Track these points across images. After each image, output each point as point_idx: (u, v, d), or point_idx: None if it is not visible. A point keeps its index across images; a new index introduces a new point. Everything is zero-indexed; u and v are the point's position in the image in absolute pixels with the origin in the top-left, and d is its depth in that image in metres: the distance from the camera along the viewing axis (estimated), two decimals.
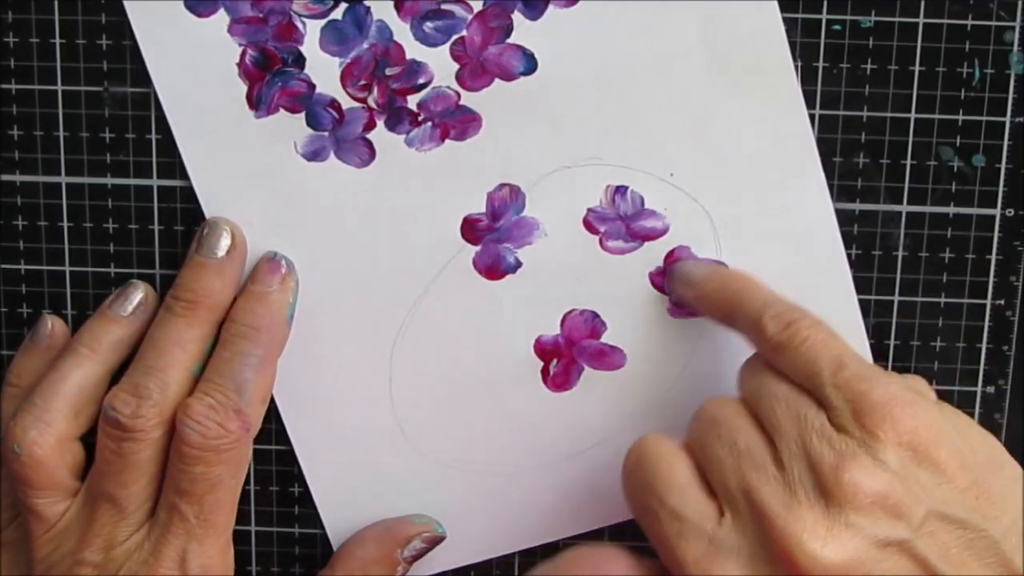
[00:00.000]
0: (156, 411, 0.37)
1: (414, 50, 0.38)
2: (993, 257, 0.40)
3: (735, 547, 0.30)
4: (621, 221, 0.39)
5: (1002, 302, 0.40)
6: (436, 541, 0.41)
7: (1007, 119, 0.39)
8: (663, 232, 0.39)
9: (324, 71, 0.38)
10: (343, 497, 0.42)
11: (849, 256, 0.40)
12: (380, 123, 0.38)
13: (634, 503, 0.34)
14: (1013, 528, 0.30)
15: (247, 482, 0.41)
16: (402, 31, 0.38)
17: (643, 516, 0.33)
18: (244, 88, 0.38)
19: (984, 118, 0.39)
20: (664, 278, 0.40)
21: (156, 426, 0.37)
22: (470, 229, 0.39)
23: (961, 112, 0.39)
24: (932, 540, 0.30)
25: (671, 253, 0.39)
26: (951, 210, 0.40)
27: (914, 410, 0.31)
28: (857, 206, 0.40)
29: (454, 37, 0.38)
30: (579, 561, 0.34)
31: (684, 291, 0.38)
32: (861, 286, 0.40)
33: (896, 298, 0.40)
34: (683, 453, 0.33)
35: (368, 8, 0.38)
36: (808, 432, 0.31)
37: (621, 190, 0.39)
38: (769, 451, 0.32)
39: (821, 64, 0.38)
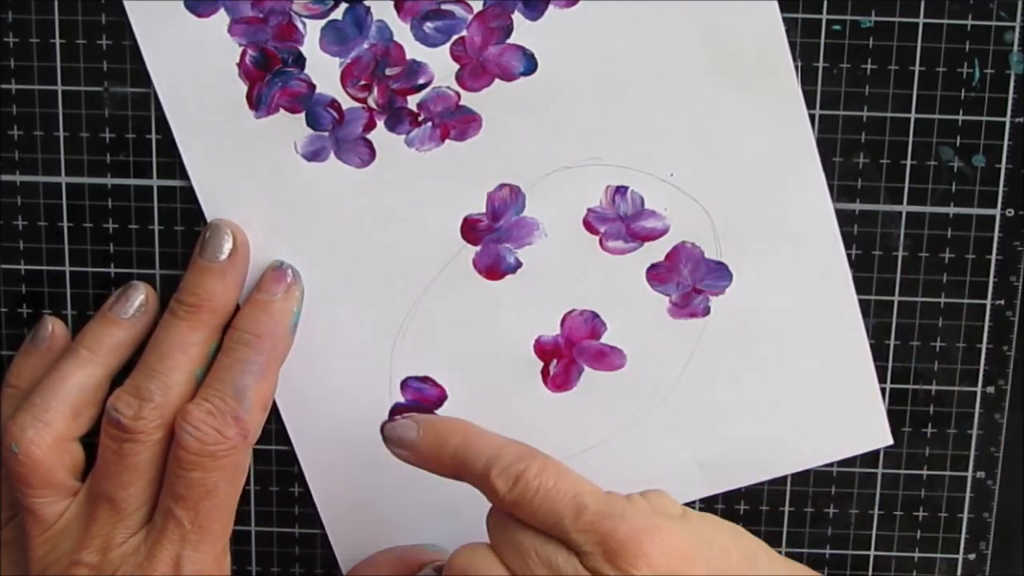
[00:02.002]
0: (158, 413, 0.37)
1: (414, 50, 0.38)
2: (993, 257, 0.40)
3: None
4: (621, 221, 0.39)
5: (1002, 302, 0.40)
6: None
7: (1007, 119, 0.39)
8: (663, 232, 0.39)
9: (324, 71, 0.38)
10: (343, 497, 0.42)
11: (849, 256, 0.40)
12: (380, 123, 0.38)
13: None
14: None
15: (247, 482, 0.41)
16: (402, 31, 0.38)
17: None
18: (244, 88, 0.38)
19: (984, 118, 0.39)
20: (661, 281, 0.40)
21: (157, 428, 0.37)
22: (470, 229, 0.39)
23: (961, 112, 0.39)
24: None
25: (671, 253, 0.39)
26: (951, 210, 0.40)
27: (662, 537, 0.31)
28: (857, 206, 0.40)
29: (454, 37, 0.38)
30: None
31: (401, 453, 0.37)
32: (861, 286, 0.40)
33: (896, 298, 0.40)
34: None
35: (368, 8, 0.38)
36: (575, 571, 0.31)
37: (621, 190, 0.39)
38: None
39: (821, 64, 0.38)
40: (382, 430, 0.38)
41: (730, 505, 0.42)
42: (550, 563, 0.32)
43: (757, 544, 0.33)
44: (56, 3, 0.38)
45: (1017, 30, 0.38)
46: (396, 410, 0.41)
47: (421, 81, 0.38)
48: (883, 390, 0.41)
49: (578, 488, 0.33)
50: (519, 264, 0.40)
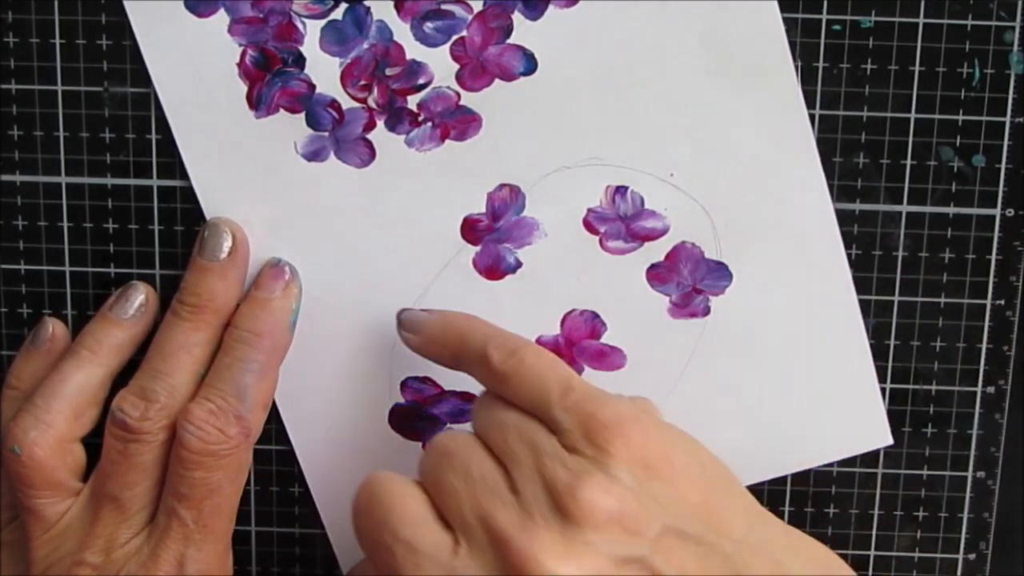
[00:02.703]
0: (164, 414, 0.37)
1: (414, 50, 0.38)
2: (993, 257, 0.40)
3: (474, 575, 0.30)
4: (621, 221, 0.39)
5: (1002, 302, 0.40)
6: None
7: (1007, 119, 0.39)
8: (663, 232, 0.39)
9: (324, 71, 0.38)
10: (343, 497, 0.41)
11: (849, 256, 0.40)
12: (380, 123, 0.38)
13: (367, 541, 0.32)
14: (742, 544, 0.31)
15: (247, 482, 0.41)
16: (402, 31, 0.38)
17: (376, 553, 0.32)
18: (244, 88, 0.38)
19: (984, 118, 0.39)
20: (661, 281, 0.40)
21: (162, 429, 0.37)
22: (470, 229, 0.39)
23: (961, 112, 0.39)
24: (669, 556, 0.30)
25: (671, 253, 0.39)
26: (951, 210, 0.40)
27: (643, 427, 0.31)
28: (857, 206, 0.40)
29: (454, 37, 0.38)
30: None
31: (410, 338, 0.38)
32: (861, 286, 0.40)
33: (896, 298, 0.40)
34: (416, 487, 0.33)
35: (368, 8, 0.38)
36: (541, 455, 0.31)
37: (621, 190, 0.39)
38: (504, 478, 0.31)
39: (821, 64, 0.38)
40: (398, 317, 0.38)
41: None
42: (530, 440, 0.32)
43: (735, 479, 0.33)
44: (56, 3, 0.38)
45: (1017, 30, 0.38)
46: (396, 410, 0.41)
47: (421, 81, 0.38)
48: (883, 390, 0.41)
49: (569, 373, 0.33)
50: (519, 264, 0.40)
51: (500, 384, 0.34)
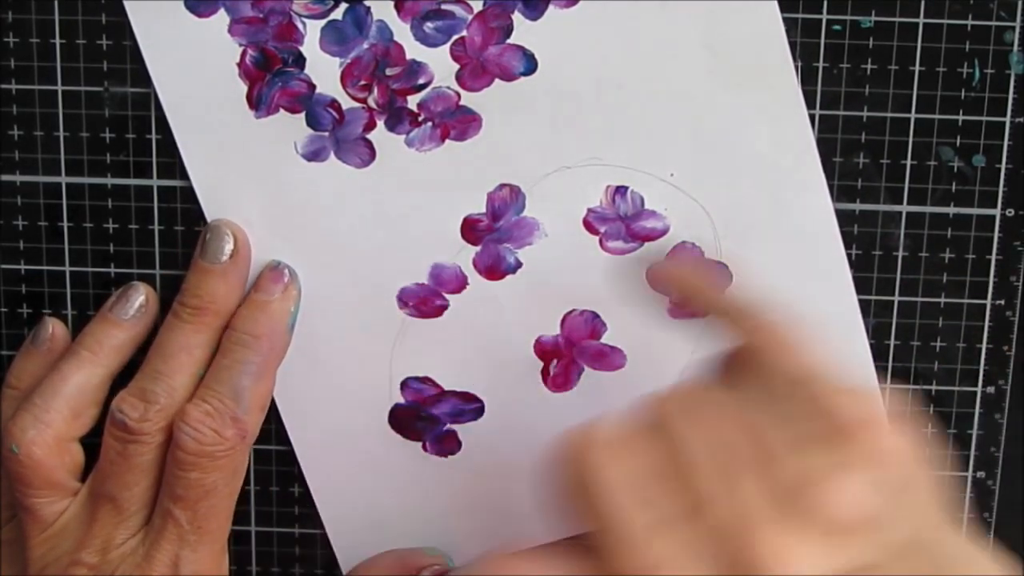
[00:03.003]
0: (162, 415, 0.37)
1: (414, 50, 0.38)
2: (993, 257, 0.40)
3: (701, 553, 0.27)
4: (621, 221, 0.39)
5: (1002, 302, 0.40)
6: (444, 574, 0.41)
7: (1007, 119, 0.39)
8: (663, 232, 0.39)
9: (324, 71, 0.38)
10: (343, 497, 0.42)
11: (849, 256, 0.40)
12: (380, 123, 0.38)
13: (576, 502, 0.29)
14: (956, 560, 0.29)
15: (247, 482, 0.41)
16: (402, 31, 0.38)
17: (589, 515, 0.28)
18: (244, 88, 0.38)
19: (984, 118, 0.39)
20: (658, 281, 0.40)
21: (161, 430, 0.37)
22: (470, 229, 0.39)
23: (961, 112, 0.39)
24: (905, 567, 0.28)
25: (671, 253, 0.39)
26: (951, 210, 0.40)
27: (899, 430, 0.29)
28: (857, 206, 0.40)
29: (454, 37, 0.38)
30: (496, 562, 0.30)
31: (672, 274, 0.38)
32: (861, 286, 0.40)
33: (896, 298, 0.40)
34: (629, 453, 0.29)
35: (368, 8, 0.38)
36: (792, 442, 0.28)
37: (621, 190, 0.39)
38: (753, 454, 0.28)
39: (821, 64, 0.38)
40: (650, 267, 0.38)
41: None
42: (782, 422, 0.28)
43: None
44: (56, 3, 0.38)
45: (1017, 30, 0.38)
46: (396, 410, 0.41)
47: (421, 81, 0.38)
48: (883, 390, 0.41)
49: (830, 364, 0.30)
50: (519, 264, 0.40)
51: (759, 353, 0.31)
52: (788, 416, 0.29)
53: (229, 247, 0.38)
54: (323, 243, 0.39)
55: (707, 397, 0.30)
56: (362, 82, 0.38)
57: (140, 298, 0.39)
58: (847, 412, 0.28)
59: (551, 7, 0.38)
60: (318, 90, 0.38)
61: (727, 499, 0.27)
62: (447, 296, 0.40)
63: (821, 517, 0.27)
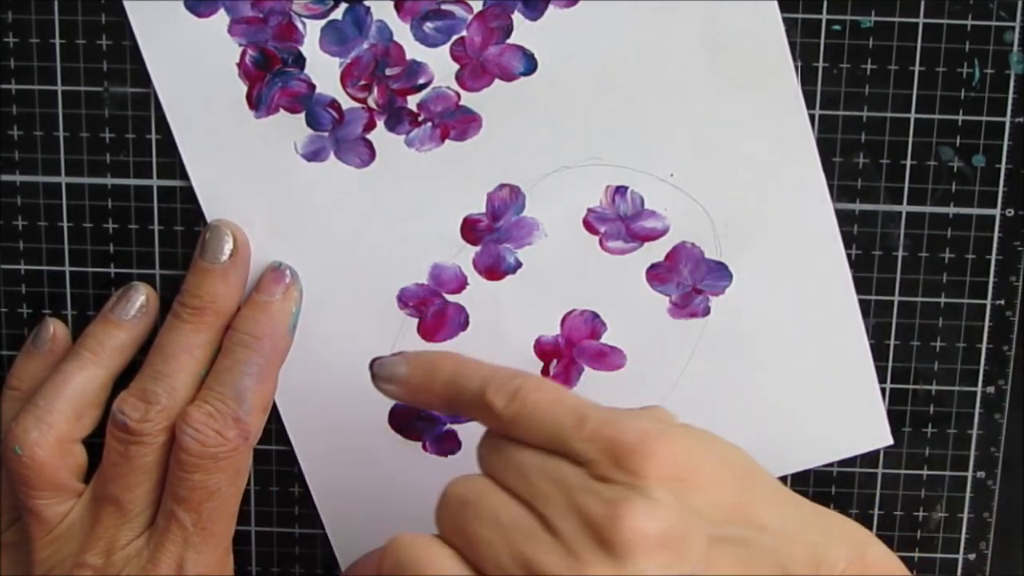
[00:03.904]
0: (164, 416, 0.37)
1: (414, 50, 0.38)
2: (993, 257, 0.40)
3: None
4: (621, 221, 0.39)
5: (1002, 302, 0.40)
6: None
7: (1007, 119, 0.39)
8: (663, 232, 0.39)
9: (324, 71, 0.38)
10: (343, 497, 0.42)
11: (849, 256, 0.40)
12: (380, 123, 0.38)
13: None
14: (780, 534, 0.30)
15: (247, 482, 0.41)
16: (402, 31, 0.38)
17: None
18: (244, 88, 0.38)
19: (984, 118, 0.39)
20: (661, 281, 0.40)
21: (163, 431, 0.37)
22: (470, 229, 0.39)
23: (961, 112, 0.39)
24: (716, 566, 0.29)
25: (671, 253, 0.39)
26: (951, 210, 0.40)
27: (668, 440, 0.29)
28: (857, 206, 0.40)
29: (454, 37, 0.38)
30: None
31: (391, 390, 0.35)
32: (861, 286, 0.40)
33: (896, 298, 0.40)
34: (443, 545, 0.30)
35: (368, 8, 0.38)
36: (572, 490, 0.29)
37: (621, 190, 0.39)
38: (536, 519, 0.29)
39: (821, 64, 0.38)
40: (371, 367, 0.36)
41: None
42: (555, 477, 0.29)
43: (760, 467, 0.32)
44: (56, 3, 0.38)
45: (1017, 30, 0.38)
46: (396, 410, 0.41)
47: (421, 81, 0.38)
48: (883, 390, 0.41)
49: (577, 401, 0.31)
50: (519, 264, 0.40)
51: (508, 427, 0.31)
52: (577, 461, 0.30)
53: (229, 247, 0.38)
54: (323, 243, 0.39)
55: (474, 488, 0.31)
56: (362, 82, 0.38)
57: (141, 298, 0.39)
58: (623, 438, 0.29)
59: (551, 7, 0.38)
60: (318, 90, 0.38)
61: (535, 565, 0.28)
62: (447, 296, 0.40)
63: (624, 547, 0.28)
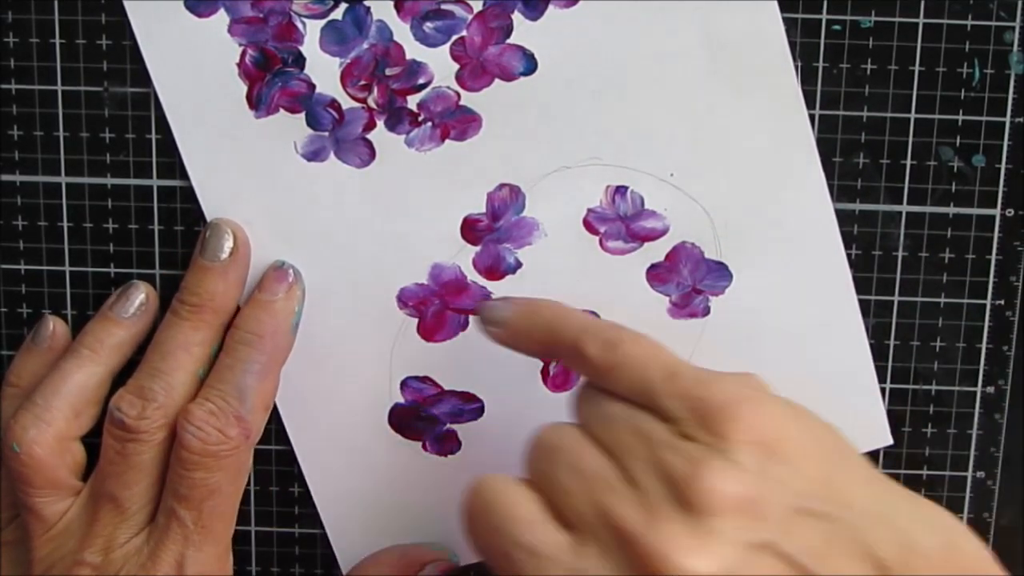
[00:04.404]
0: (161, 413, 0.37)
1: (414, 50, 0.38)
2: (993, 257, 0.40)
3: (600, 574, 0.28)
4: (621, 221, 0.39)
5: (1002, 302, 0.40)
6: (449, 570, 0.41)
7: (1007, 119, 0.39)
8: (663, 232, 0.39)
9: (324, 71, 0.38)
10: (343, 497, 0.42)
11: (849, 256, 0.40)
12: (380, 123, 0.38)
13: (483, 548, 0.31)
14: (867, 515, 0.29)
15: (247, 482, 0.41)
16: (402, 31, 0.38)
17: (496, 559, 0.30)
18: (244, 88, 0.38)
19: (984, 118, 0.39)
20: (661, 281, 0.40)
21: (160, 428, 0.37)
22: (470, 229, 0.39)
23: (961, 112, 0.39)
24: (797, 536, 0.28)
25: (671, 253, 0.39)
26: (951, 210, 0.40)
27: (757, 406, 0.29)
28: (857, 206, 0.40)
29: (454, 37, 0.38)
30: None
31: (494, 332, 0.36)
32: (861, 286, 0.40)
33: (896, 298, 0.40)
34: (526, 488, 0.31)
35: (368, 8, 0.38)
36: (655, 446, 0.29)
37: (621, 190, 0.39)
38: (618, 471, 0.30)
39: (821, 64, 0.38)
40: (477, 311, 0.37)
41: None
42: (641, 430, 0.30)
43: (852, 448, 0.31)
44: (56, 3, 0.38)
45: (1017, 30, 0.38)
46: (396, 410, 0.41)
47: (421, 81, 0.38)
48: (883, 390, 0.41)
49: (671, 358, 0.31)
50: (519, 264, 0.40)
51: (601, 377, 0.32)
52: (664, 417, 0.30)
53: (229, 245, 0.38)
54: (323, 243, 0.39)
55: (563, 436, 0.32)
56: (362, 82, 0.38)
57: (140, 296, 0.39)
58: (711, 399, 0.29)
59: (551, 7, 0.38)
60: (318, 90, 0.38)
61: (612, 515, 0.29)
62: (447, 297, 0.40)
63: (701, 507, 0.28)
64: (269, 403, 0.39)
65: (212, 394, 0.37)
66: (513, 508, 0.30)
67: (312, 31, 0.38)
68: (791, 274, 0.39)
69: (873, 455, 0.41)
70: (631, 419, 0.31)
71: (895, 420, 0.41)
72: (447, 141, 0.39)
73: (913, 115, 0.39)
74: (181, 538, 0.36)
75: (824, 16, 0.38)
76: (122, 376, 0.39)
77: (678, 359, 0.32)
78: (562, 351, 0.34)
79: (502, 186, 0.39)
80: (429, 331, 0.40)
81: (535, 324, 0.35)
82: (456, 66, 0.38)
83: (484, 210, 0.39)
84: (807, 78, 0.38)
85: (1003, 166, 0.39)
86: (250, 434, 0.37)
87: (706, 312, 0.40)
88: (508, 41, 0.38)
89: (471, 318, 0.38)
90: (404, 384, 0.41)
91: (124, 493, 0.37)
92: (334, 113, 0.38)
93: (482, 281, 0.40)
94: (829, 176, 0.39)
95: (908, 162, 0.39)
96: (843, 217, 0.39)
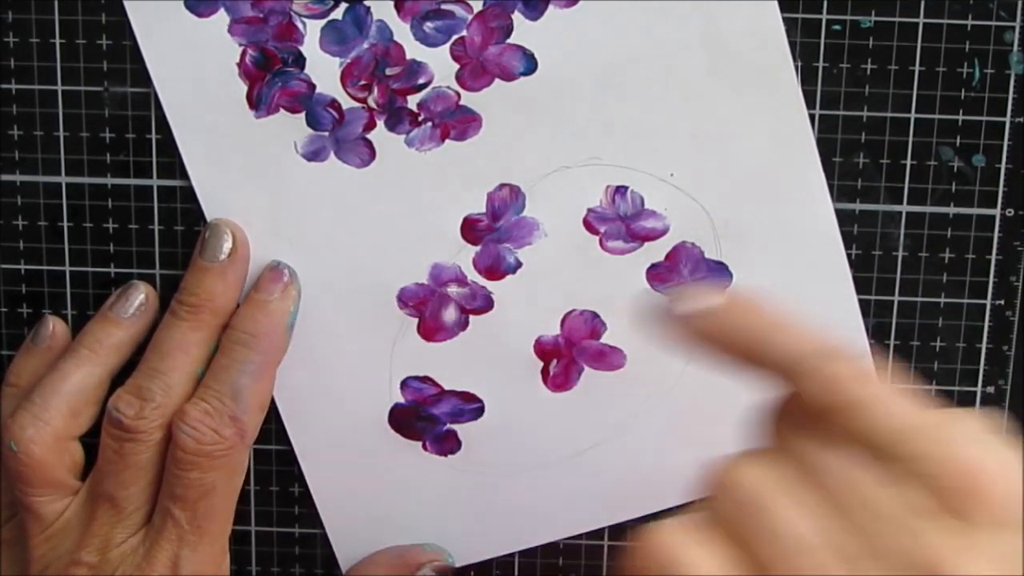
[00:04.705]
0: (159, 413, 0.37)
1: (414, 50, 0.38)
2: (993, 257, 0.40)
3: None
4: (621, 221, 0.39)
5: (1002, 302, 0.40)
6: (446, 571, 0.41)
7: (1007, 119, 0.39)
8: (663, 232, 0.39)
9: (324, 71, 0.38)
10: (343, 497, 0.42)
11: (849, 256, 0.40)
12: (380, 123, 0.38)
13: None
14: None
15: (247, 482, 0.41)
16: (402, 31, 0.38)
17: None
18: (244, 88, 0.38)
19: (984, 118, 0.39)
20: (661, 281, 0.40)
21: (158, 428, 0.37)
22: (470, 229, 0.39)
23: (961, 112, 0.39)
24: None
25: (671, 253, 0.39)
26: (951, 210, 0.40)
27: (1017, 474, 0.24)
28: (857, 206, 0.40)
29: (454, 37, 0.38)
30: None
31: (694, 323, 0.29)
32: (861, 286, 0.40)
33: (896, 298, 0.40)
34: (714, 543, 0.25)
35: (368, 8, 0.38)
36: (902, 514, 0.24)
37: (621, 190, 0.39)
38: (853, 540, 0.24)
39: (821, 64, 0.38)
40: (671, 300, 0.30)
41: None
42: (887, 495, 0.24)
43: None
44: (56, 3, 0.38)
45: (1017, 30, 0.38)
46: (396, 410, 0.41)
47: (421, 81, 0.38)
48: None
49: (914, 405, 0.26)
50: (519, 264, 0.40)
51: (829, 412, 0.26)
52: (896, 482, 0.24)
53: (228, 246, 0.38)
54: (323, 243, 0.39)
55: (766, 485, 0.26)
56: (362, 82, 0.38)
57: (140, 297, 0.39)
58: (968, 463, 0.24)
59: (551, 7, 0.38)
60: (318, 90, 0.38)
61: None
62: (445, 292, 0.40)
63: None
64: (265, 403, 0.39)
65: (207, 394, 0.37)
66: (702, 568, 0.25)
67: (312, 31, 0.38)
68: (791, 274, 0.39)
69: None
70: (869, 473, 0.25)
71: None
72: (447, 141, 0.39)
73: (913, 115, 0.39)
74: (176, 538, 0.36)
75: (824, 16, 0.38)
76: (121, 376, 0.39)
77: (923, 407, 0.26)
78: (775, 363, 0.28)
79: (502, 186, 0.39)
80: (429, 331, 0.40)
81: (751, 326, 0.29)
82: (456, 66, 0.38)
83: (484, 210, 0.39)
84: (807, 78, 0.38)
85: (1003, 166, 0.39)
86: (245, 434, 0.37)
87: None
88: (508, 41, 0.38)
89: (657, 307, 0.30)
90: (404, 384, 0.41)
91: (121, 493, 0.37)
92: (334, 113, 0.38)
93: (482, 281, 0.40)
94: (829, 176, 0.39)
95: (908, 162, 0.39)
96: (843, 217, 0.39)
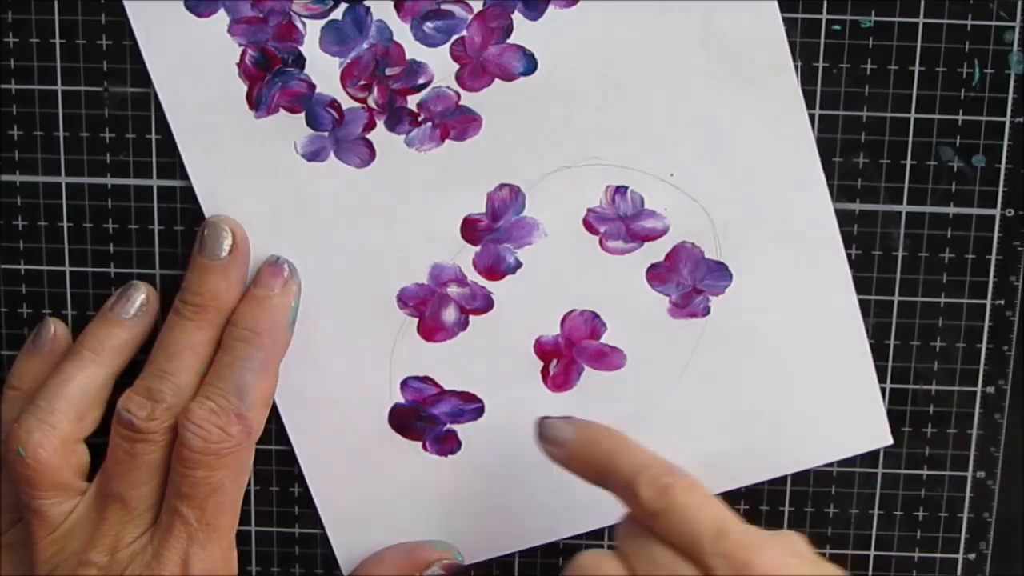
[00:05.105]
0: (169, 414, 0.37)
1: (414, 50, 0.38)
2: (993, 257, 0.40)
3: None
4: (621, 221, 0.39)
5: (1002, 302, 0.40)
6: (454, 569, 0.41)
7: (1007, 119, 0.39)
8: (663, 232, 0.39)
9: (324, 71, 0.38)
10: (343, 497, 0.42)
11: (849, 256, 0.40)
12: (380, 123, 0.38)
13: None
14: None
15: (247, 482, 0.41)
16: (402, 31, 0.38)
17: None
18: (244, 88, 0.38)
19: (984, 118, 0.39)
20: (661, 281, 0.40)
21: (168, 428, 0.37)
22: (470, 229, 0.39)
23: (961, 112, 0.39)
24: None
25: (671, 253, 0.39)
26: (951, 210, 0.40)
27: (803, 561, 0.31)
28: (857, 206, 0.40)
29: (454, 37, 0.38)
30: None
31: (552, 451, 0.37)
32: (861, 286, 0.40)
33: (896, 298, 0.40)
34: None
35: (368, 8, 0.38)
36: None
37: (621, 190, 0.39)
38: None
39: (821, 64, 0.38)
40: (538, 426, 0.37)
41: (731, 505, 0.41)
42: None
43: None
44: (56, 3, 0.38)
45: (1017, 30, 0.38)
46: (396, 410, 0.41)
47: (421, 81, 0.38)
48: (883, 390, 0.41)
49: (722, 513, 0.32)
50: (519, 264, 0.40)
51: (649, 519, 0.33)
52: (706, 572, 0.31)
53: (228, 243, 0.38)
54: (323, 243, 0.39)
55: (605, 572, 0.33)
56: (362, 82, 0.38)
57: (141, 297, 0.39)
58: (755, 563, 0.31)
59: (551, 7, 0.38)
60: (318, 90, 0.38)
61: None
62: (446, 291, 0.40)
63: None
64: (269, 399, 0.39)
65: (212, 392, 0.37)
66: None
67: (312, 31, 0.38)
68: (791, 274, 0.39)
69: (873, 455, 0.41)
70: (676, 568, 0.32)
71: (895, 420, 0.41)
72: (447, 141, 0.39)
73: (913, 115, 0.39)
74: (185, 536, 0.36)
75: (824, 16, 0.38)
76: (123, 376, 0.39)
77: (728, 513, 0.32)
78: (615, 485, 0.34)
79: (502, 186, 0.39)
80: (429, 331, 0.40)
81: (594, 453, 0.35)
82: (456, 66, 0.38)
83: (484, 210, 0.39)
84: (807, 78, 0.38)
85: (1003, 166, 0.39)
86: (251, 431, 0.37)
87: (706, 312, 0.40)
88: (508, 41, 0.38)
89: (534, 428, 0.37)
90: (404, 384, 0.41)
91: (132, 493, 0.37)
92: (334, 113, 0.38)
93: (482, 281, 0.40)
94: (829, 176, 0.39)
95: (908, 162, 0.39)
96: (843, 217, 0.39)
